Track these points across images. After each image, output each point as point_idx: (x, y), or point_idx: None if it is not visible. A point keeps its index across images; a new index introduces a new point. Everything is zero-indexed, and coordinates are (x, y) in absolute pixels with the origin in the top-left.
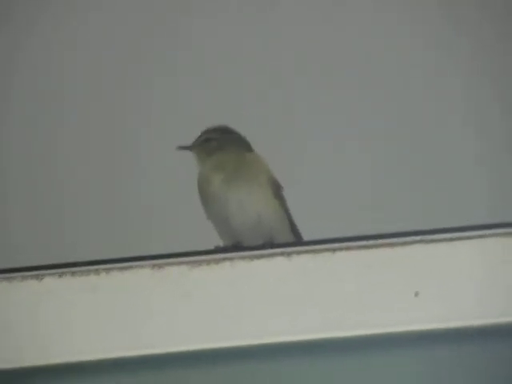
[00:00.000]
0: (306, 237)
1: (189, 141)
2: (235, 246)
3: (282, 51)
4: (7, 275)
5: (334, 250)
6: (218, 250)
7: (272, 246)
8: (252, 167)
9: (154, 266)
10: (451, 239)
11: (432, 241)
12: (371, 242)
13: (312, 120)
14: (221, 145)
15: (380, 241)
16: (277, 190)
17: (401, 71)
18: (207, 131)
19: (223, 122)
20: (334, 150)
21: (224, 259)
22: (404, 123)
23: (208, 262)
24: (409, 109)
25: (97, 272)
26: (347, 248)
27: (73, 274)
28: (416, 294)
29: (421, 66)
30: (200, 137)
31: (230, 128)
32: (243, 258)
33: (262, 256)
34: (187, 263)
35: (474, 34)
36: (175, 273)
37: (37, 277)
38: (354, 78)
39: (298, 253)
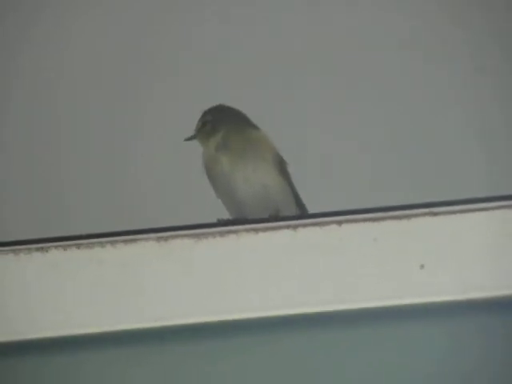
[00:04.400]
0: (312, 210)
1: (189, 123)
2: (238, 219)
3: (283, 47)
4: (12, 248)
5: (340, 222)
6: (220, 223)
7: (277, 218)
8: (257, 144)
9: (159, 238)
10: (457, 211)
11: (438, 213)
12: (377, 215)
13: (312, 111)
14: (219, 124)
15: (386, 213)
16: (281, 165)
17: (401, 63)
18: (203, 115)
19: None
20: (337, 124)
21: (229, 232)
22: (405, 114)
23: (213, 235)
24: (410, 101)
25: (102, 245)
26: (353, 220)
27: (78, 246)
28: (422, 267)
29: (421, 57)
30: (198, 123)
31: (224, 106)
32: (248, 230)
33: (267, 229)
34: (192, 236)
35: (472, 28)
36: (180, 245)
37: (42, 249)
38: (353, 70)
39: (304, 225)
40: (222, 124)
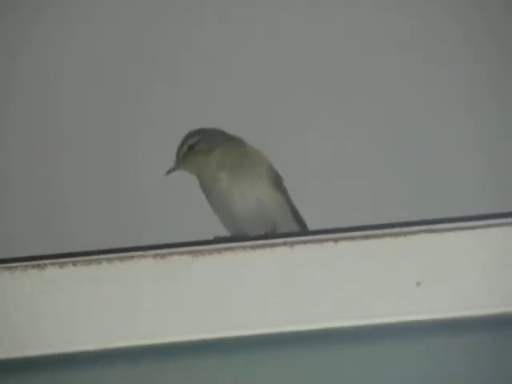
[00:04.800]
0: (327, 213)
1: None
2: (235, 236)
3: (283, 47)
4: (9, 265)
5: (337, 239)
6: (216, 240)
7: (274, 235)
8: (252, 160)
9: (155, 255)
10: (454, 229)
11: (435, 230)
12: (374, 232)
13: (312, 111)
14: (210, 143)
15: (383, 231)
16: (277, 180)
17: (401, 63)
18: (184, 140)
19: (222, 119)
20: (335, 140)
21: (226, 249)
22: (405, 114)
23: (210, 252)
24: (410, 101)
25: (98, 262)
26: (350, 238)
27: (74, 263)
28: (418, 284)
29: (421, 57)
30: (180, 149)
31: (202, 128)
32: (245, 247)
33: (264, 246)
34: (189, 253)
35: (472, 28)
36: (177, 263)
37: (38, 266)
38: (353, 70)
39: (301, 242)
40: (215, 141)
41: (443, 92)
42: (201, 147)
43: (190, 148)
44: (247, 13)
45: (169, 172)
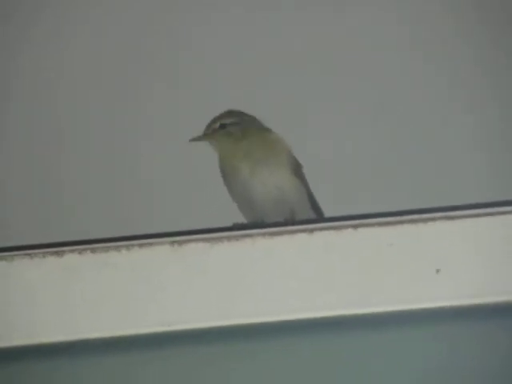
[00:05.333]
0: (327, 214)
1: (203, 124)
2: (254, 222)
3: (283, 47)
4: (28, 252)
5: (356, 226)
6: (235, 227)
7: (293, 222)
8: (274, 148)
9: (173, 242)
10: (473, 215)
11: (454, 217)
12: (393, 219)
13: (312, 111)
14: (245, 129)
15: (402, 217)
16: (297, 168)
17: (401, 63)
18: (220, 116)
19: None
20: (337, 125)
21: (245, 236)
22: (405, 114)
23: (229, 239)
24: (411, 88)
25: (117, 249)
26: (369, 224)
27: (93, 250)
28: (437, 271)
29: (421, 57)
30: (212, 123)
31: (244, 112)
32: (264, 234)
33: (283, 232)
34: (207, 240)
35: (472, 28)
36: (195, 250)
37: (57, 253)
38: (355, 72)
39: (320, 229)
40: (248, 130)
41: (443, 92)
42: (232, 130)
43: (222, 126)
44: (247, 13)
45: (194, 139)
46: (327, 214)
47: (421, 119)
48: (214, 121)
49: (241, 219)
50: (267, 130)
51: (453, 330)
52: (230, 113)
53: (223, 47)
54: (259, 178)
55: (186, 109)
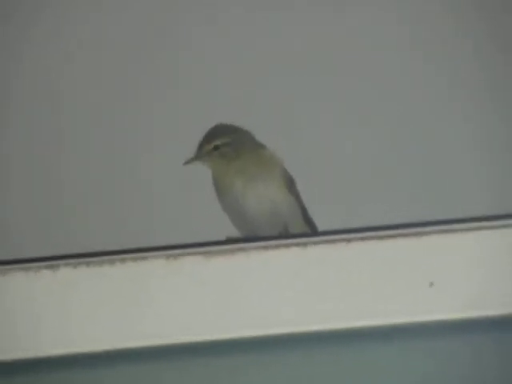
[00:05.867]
0: (320, 228)
1: (193, 137)
2: (248, 236)
3: (283, 47)
4: (22, 265)
5: (349, 240)
6: (229, 241)
7: (287, 236)
8: (267, 164)
9: (168, 256)
10: (467, 229)
11: (448, 231)
12: (387, 233)
13: (311, 111)
14: (237, 150)
15: (396, 231)
16: (290, 183)
17: (401, 64)
18: (212, 135)
19: (222, 119)
20: (338, 125)
21: (239, 250)
22: (405, 114)
23: (223, 253)
24: (411, 89)
25: (111, 262)
26: (362, 238)
27: (88, 264)
28: (431, 285)
29: (421, 57)
30: (205, 143)
31: (235, 126)
32: (258, 248)
33: (277, 246)
34: (202, 254)
35: (472, 28)
36: (190, 263)
37: (52, 267)
38: (355, 72)
39: (313, 243)
40: (241, 149)
41: (443, 92)
42: (226, 151)
43: (216, 148)
44: (247, 13)
45: (187, 162)
46: (327, 215)
47: (421, 119)
48: (208, 141)
49: (235, 233)
50: (260, 147)
51: (446, 343)
52: (221, 131)
53: (223, 47)
54: (252, 193)
55: (186, 109)
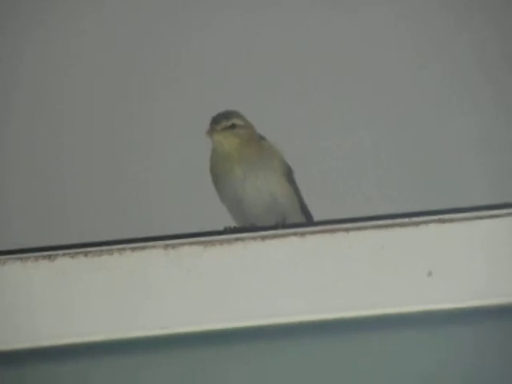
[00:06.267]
0: (319, 218)
1: (197, 129)
2: (245, 226)
3: (283, 47)
4: (20, 255)
5: (348, 229)
6: (227, 231)
7: (284, 226)
8: (267, 153)
9: (166, 246)
10: (465, 219)
11: (446, 221)
12: (385, 222)
13: (312, 111)
14: (248, 135)
15: (394, 221)
16: (289, 173)
17: (403, 61)
18: (230, 114)
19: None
20: (338, 124)
21: (237, 239)
22: (405, 114)
23: (221, 243)
24: (411, 89)
25: (110, 252)
26: (361, 228)
27: (85, 254)
28: (429, 274)
29: (422, 55)
30: (223, 119)
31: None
32: (255, 238)
33: (274, 236)
34: (200, 243)
35: (472, 28)
36: (188, 253)
37: (49, 257)
38: (356, 68)
39: (312, 233)
40: (250, 136)
41: (443, 92)
42: (241, 133)
43: (233, 126)
44: (247, 13)
45: (208, 132)
46: (325, 205)
47: (420, 112)
48: (226, 117)
49: (233, 224)
50: (261, 138)
51: (444, 332)
52: (237, 114)
53: (223, 47)
54: (252, 182)
55: (187, 108)
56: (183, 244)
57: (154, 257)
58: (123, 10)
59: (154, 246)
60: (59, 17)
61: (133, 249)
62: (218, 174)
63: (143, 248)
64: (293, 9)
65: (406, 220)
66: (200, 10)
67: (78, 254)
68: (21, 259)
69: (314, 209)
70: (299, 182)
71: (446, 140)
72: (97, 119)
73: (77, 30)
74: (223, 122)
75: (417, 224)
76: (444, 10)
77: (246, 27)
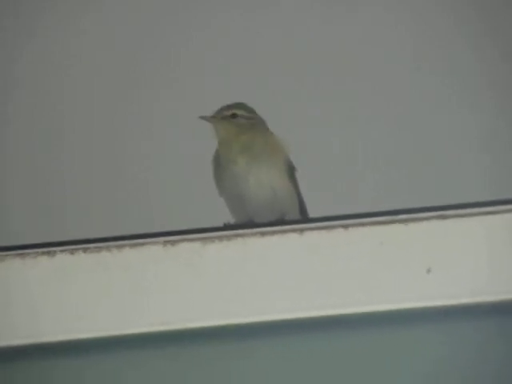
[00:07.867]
0: (318, 214)
1: (197, 129)
2: (245, 223)
3: (283, 47)
4: (20, 252)
5: (347, 226)
6: (226, 227)
7: (284, 222)
8: (272, 148)
9: (165, 242)
10: (464, 215)
11: (445, 217)
12: (384, 218)
13: (311, 111)
14: (251, 126)
15: (393, 217)
16: (291, 170)
17: (403, 61)
18: (234, 105)
19: None
20: (338, 125)
21: (236, 235)
22: (405, 114)
23: (220, 239)
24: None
25: (109, 249)
26: (360, 224)
27: (85, 250)
28: (428, 271)
29: (422, 56)
30: (226, 109)
31: (255, 110)
32: (255, 234)
33: (274, 232)
34: (199, 240)
35: (473, 29)
36: (187, 249)
37: (49, 253)
38: (356, 68)
39: (310, 229)
40: (255, 127)
41: (443, 92)
42: (242, 123)
43: (234, 116)
44: (247, 13)
45: (203, 118)
46: (324, 201)
47: (421, 120)
48: (228, 108)
49: (232, 220)
50: (270, 133)
51: (443, 329)
52: (243, 106)
53: (223, 47)
54: (254, 175)
55: (186, 108)
56: (182, 240)
57: (153, 253)
58: (123, 10)
59: (153, 243)
60: (59, 17)
61: (132, 245)
62: (220, 164)
63: (142, 244)
64: (293, 9)
65: (405, 216)
66: (200, 9)
67: (77, 250)
68: (20, 255)
69: (313, 208)
70: (299, 181)
71: (446, 140)
72: (97, 119)
73: (77, 30)
74: (225, 111)
75: (416, 220)
76: (444, 10)
77: (246, 27)
